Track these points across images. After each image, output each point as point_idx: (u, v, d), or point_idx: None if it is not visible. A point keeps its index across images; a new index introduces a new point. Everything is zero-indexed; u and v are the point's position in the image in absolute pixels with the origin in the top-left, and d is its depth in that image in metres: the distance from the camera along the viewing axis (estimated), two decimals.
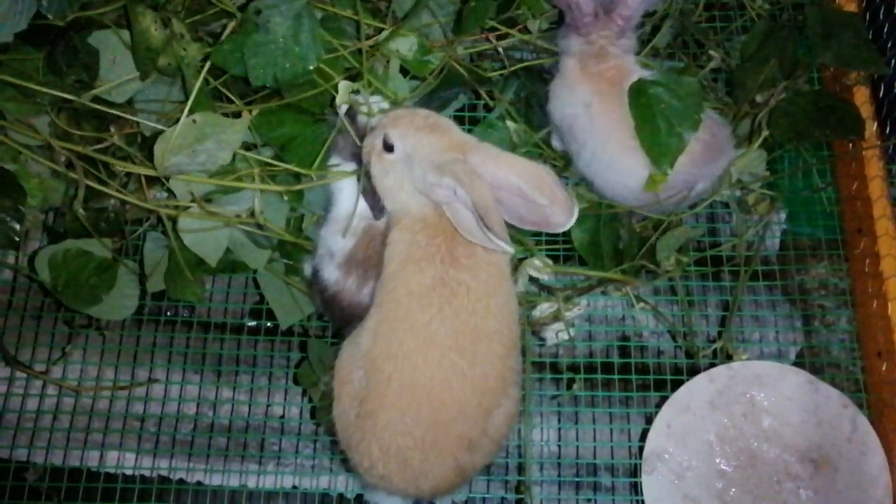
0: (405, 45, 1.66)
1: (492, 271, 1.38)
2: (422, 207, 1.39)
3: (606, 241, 1.73)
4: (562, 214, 1.32)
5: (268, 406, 1.80)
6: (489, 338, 1.37)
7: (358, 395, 1.39)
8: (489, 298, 1.37)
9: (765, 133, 1.75)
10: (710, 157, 1.66)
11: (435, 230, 1.38)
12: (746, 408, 1.65)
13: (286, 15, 1.53)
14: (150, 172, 1.54)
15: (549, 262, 1.66)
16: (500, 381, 1.39)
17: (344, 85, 1.57)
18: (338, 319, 1.62)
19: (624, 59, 1.70)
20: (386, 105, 1.58)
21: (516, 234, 1.38)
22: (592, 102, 1.66)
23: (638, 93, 1.62)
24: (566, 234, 1.67)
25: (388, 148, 1.41)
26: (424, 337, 1.33)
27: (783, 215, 1.95)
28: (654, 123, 1.59)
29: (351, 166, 1.59)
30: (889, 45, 1.91)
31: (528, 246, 1.68)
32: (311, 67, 1.56)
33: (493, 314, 1.37)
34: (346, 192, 1.57)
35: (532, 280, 1.69)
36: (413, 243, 1.39)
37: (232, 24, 1.58)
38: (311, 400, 1.74)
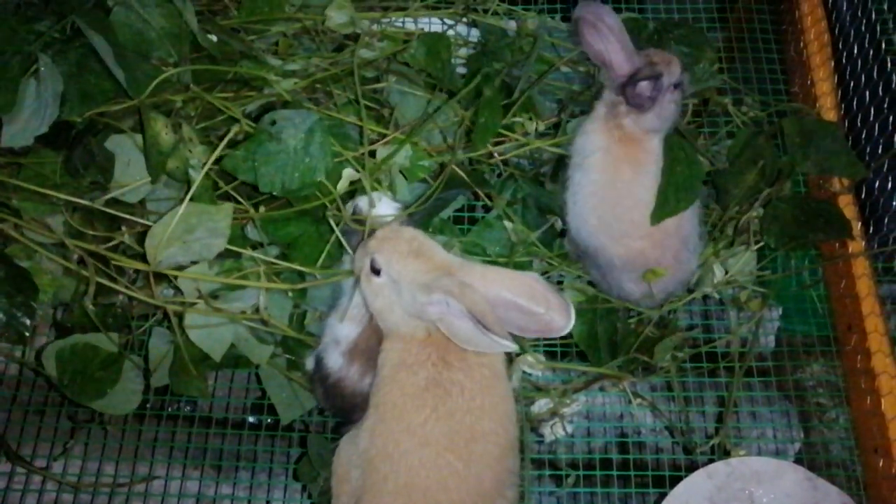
0: (401, 153, 1.73)
1: (485, 372, 1.40)
2: (412, 329, 1.41)
3: (604, 334, 1.77)
4: (560, 319, 1.35)
5: (267, 502, 1.80)
6: (485, 438, 1.37)
7: (355, 494, 1.40)
8: (483, 398, 1.38)
9: (755, 239, 1.81)
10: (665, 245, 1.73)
11: (426, 342, 1.40)
12: None
13: (300, 127, 1.61)
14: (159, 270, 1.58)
15: (542, 357, 1.70)
16: (495, 483, 1.39)
17: (347, 173, 1.63)
18: (338, 409, 1.64)
19: (637, 132, 1.72)
20: (391, 204, 1.63)
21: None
22: (597, 153, 1.73)
23: (670, 148, 1.74)
24: None
25: (376, 271, 1.43)
26: (420, 437, 1.34)
27: (777, 313, 1.98)
28: (665, 182, 1.70)
29: None
30: (868, 150, 1.99)
31: (521, 342, 1.69)
32: (319, 179, 1.62)
33: (489, 414, 1.38)
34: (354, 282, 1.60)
35: (529, 376, 1.71)
36: (405, 350, 1.41)
37: (235, 129, 1.63)
38: (310, 496, 1.73)
